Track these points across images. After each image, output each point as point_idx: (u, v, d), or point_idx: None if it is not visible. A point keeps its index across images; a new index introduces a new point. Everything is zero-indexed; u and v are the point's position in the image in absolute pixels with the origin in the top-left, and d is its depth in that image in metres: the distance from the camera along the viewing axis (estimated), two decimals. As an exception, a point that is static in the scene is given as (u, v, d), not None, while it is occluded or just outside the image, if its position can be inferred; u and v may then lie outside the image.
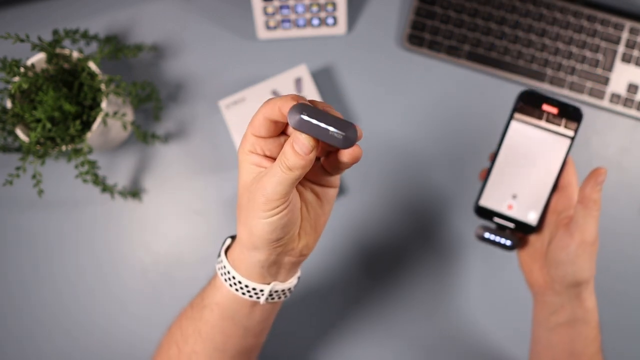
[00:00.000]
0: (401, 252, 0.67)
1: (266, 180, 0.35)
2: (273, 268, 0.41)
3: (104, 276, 0.67)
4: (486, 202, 0.52)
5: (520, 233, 0.53)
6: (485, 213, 0.53)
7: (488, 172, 0.52)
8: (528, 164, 0.51)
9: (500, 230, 0.53)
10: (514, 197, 0.52)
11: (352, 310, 0.66)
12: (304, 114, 0.33)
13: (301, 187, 0.40)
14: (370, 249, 0.67)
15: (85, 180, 0.60)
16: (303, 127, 0.33)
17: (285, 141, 0.38)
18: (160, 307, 0.67)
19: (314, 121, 0.33)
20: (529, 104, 0.51)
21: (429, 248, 0.67)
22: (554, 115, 0.50)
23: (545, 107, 0.51)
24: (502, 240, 0.52)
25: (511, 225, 0.52)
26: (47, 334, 0.66)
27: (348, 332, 0.66)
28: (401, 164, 0.68)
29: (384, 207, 0.68)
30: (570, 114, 0.50)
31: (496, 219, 0.52)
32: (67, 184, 0.68)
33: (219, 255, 0.43)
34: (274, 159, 0.38)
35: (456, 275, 0.67)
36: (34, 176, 0.59)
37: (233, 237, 0.44)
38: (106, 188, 0.62)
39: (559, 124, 0.51)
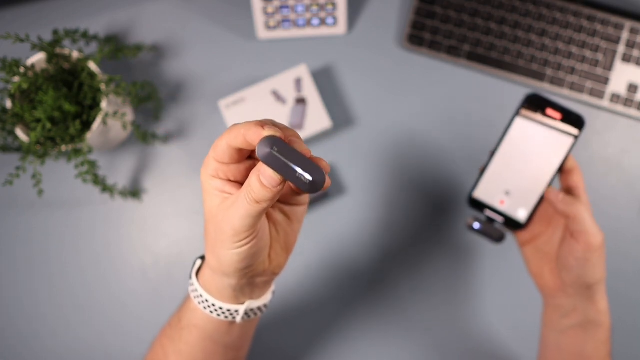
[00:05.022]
0: (402, 253, 0.67)
1: (232, 213, 0.34)
2: (246, 289, 0.41)
3: (104, 276, 0.67)
4: (480, 194, 0.54)
5: (508, 228, 0.54)
6: (477, 205, 0.54)
7: (485, 165, 0.54)
8: (525, 162, 0.53)
9: (490, 222, 0.54)
10: (507, 193, 0.53)
11: (352, 314, 0.66)
12: (274, 149, 0.31)
13: (269, 208, 0.39)
14: (371, 250, 0.67)
15: (85, 180, 0.60)
16: (271, 163, 0.31)
17: (250, 166, 0.37)
18: (160, 307, 0.67)
19: (284, 159, 0.31)
20: (534, 107, 0.52)
21: (430, 249, 0.67)
22: (557, 120, 0.51)
23: (550, 112, 0.52)
24: (490, 232, 0.54)
25: (500, 219, 0.54)
26: (46, 333, 0.66)
27: (348, 336, 0.66)
28: (401, 164, 0.68)
29: (384, 207, 0.68)
30: (573, 121, 0.51)
31: (487, 212, 0.54)
32: (67, 184, 0.68)
33: (190, 278, 0.43)
34: (238, 183, 0.36)
35: (460, 276, 0.67)
36: (34, 176, 0.59)
37: (203, 258, 0.43)
38: (106, 188, 0.62)
39: (561, 127, 0.52)
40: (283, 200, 0.40)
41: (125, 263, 0.67)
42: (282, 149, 0.31)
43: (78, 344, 0.66)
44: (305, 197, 0.40)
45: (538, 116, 0.52)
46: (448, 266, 0.67)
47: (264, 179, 0.32)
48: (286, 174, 0.31)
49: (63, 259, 0.67)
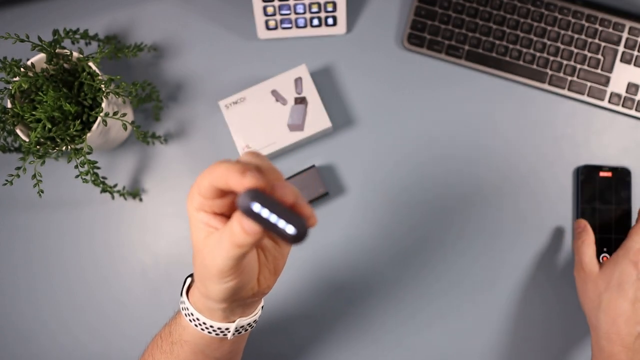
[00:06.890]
0: (402, 253, 0.67)
1: (216, 254, 0.34)
2: (236, 310, 0.41)
3: (104, 276, 0.67)
4: None
5: None
6: None
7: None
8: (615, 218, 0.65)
9: None
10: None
11: (351, 316, 0.66)
12: (254, 203, 0.30)
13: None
14: (370, 251, 0.67)
15: (85, 180, 0.60)
16: (251, 217, 0.30)
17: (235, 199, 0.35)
18: (160, 307, 0.67)
19: (264, 214, 0.30)
20: (589, 174, 0.66)
21: (431, 249, 0.67)
22: (610, 177, 0.65)
23: (602, 174, 0.66)
24: None
25: None
26: (46, 334, 0.66)
27: (347, 337, 0.66)
28: (401, 164, 0.68)
29: (384, 207, 0.68)
30: (624, 174, 0.66)
31: None
32: (67, 184, 0.68)
33: (181, 296, 0.43)
34: (224, 215, 0.36)
35: (461, 277, 0.67)
36: (34, 176, 0.59)
37: (192, 275, 0.44)
38: (106, 188, 0.62)
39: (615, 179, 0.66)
40: None
41: (125, 263, 0.67)
42: (263, 202, 0.30)
43: (77, 344, 0.66)
44: None
45: (595, 180, 0.65)
46: (449, 268, 0.67)
47: (245, 226, 0.31)
48: (267, 227, 0.30)
49: (63, 259, 0.67)
